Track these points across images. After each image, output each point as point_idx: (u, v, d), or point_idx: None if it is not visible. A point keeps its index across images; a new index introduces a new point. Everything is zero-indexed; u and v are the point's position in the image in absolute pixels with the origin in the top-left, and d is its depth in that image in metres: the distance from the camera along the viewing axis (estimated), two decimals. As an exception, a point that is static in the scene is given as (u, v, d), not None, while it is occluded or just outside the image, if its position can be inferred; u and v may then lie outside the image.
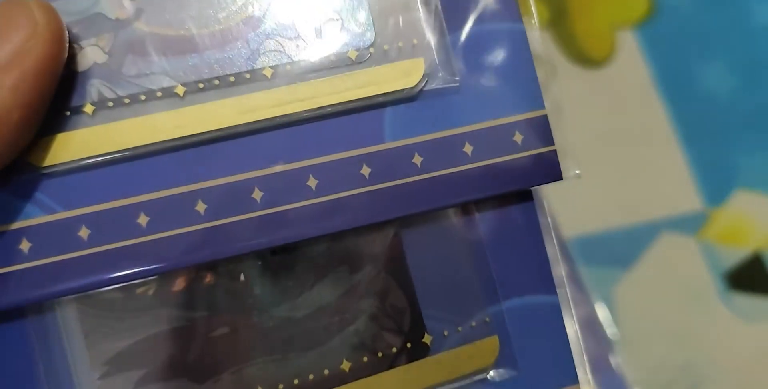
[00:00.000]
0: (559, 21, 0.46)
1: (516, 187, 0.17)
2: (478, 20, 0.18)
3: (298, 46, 0.18)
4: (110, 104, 0.17)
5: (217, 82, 0.17)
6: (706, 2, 0.45)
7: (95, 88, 0.17)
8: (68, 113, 0.17)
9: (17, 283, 0.16)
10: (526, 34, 0.19)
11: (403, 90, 0.17)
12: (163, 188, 0.16)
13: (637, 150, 0.45)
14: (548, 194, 0.41)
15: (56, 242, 0.16)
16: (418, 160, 0.17)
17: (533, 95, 0.18)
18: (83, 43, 0.17)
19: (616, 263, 0.42)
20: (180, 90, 0.17)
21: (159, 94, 0.17)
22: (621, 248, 0.43)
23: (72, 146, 0.16)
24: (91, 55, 0.17)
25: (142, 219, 0.16)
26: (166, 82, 0.17)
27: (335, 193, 0.17)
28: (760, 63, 0.44)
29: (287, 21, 0.18)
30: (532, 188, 0.18)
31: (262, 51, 0.17)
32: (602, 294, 0.42)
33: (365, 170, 0.17)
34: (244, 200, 0.16)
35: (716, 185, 0.43)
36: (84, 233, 0.16)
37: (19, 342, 0.16)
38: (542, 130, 0.18)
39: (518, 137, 0.18)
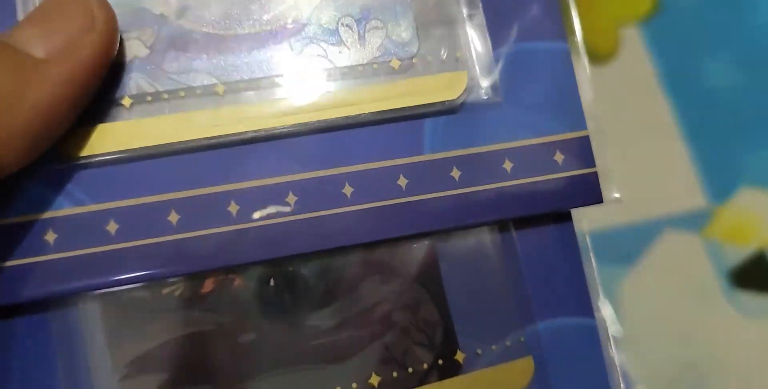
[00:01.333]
0: (563, 17, 0.49)
1: (555, 207, 0.17)
2: (523, 37, 0.18)
3: (340, 52, 0.17)
4: (149, 98, 0.16)
5: (257, 83, 0.17)
6: (711, -1, 0.45)
7: (134, 81, 0.17)
8: (105, 105, 0.16)
9: (40, 275, 0.15)
10: (571, 52, 0.18)
11: (444, 102, 0.17)
12: (196, 187, 0.16)
13: (642, 147, 0.45)
14: None
15: (83, 236, 0.15)
16: (456, 174, 0.17)
17: (575, 115, 0.18)
18: (126, 36, 0.17)
19: (620, 260, 0.42)
20: (220, 89, 0.17)
21: (198, 91, 0.17)
22: (625, 245, 0.43)
23: (107, 138, 0.16)
24: (133, 48, 0.17)
25: (173, 217, 0.16)
26: (206, 80, 0.17)
27: (371, 202, 0.16)
28: (764, 59, 0.44)
29: (331, 26, 0.17)
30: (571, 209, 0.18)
31: (305, 55, 0.17)
32: (606, 291, 0.43)
33: (402, 181, 0.17)
34: (278, 204, 0.16)
35: (721, 182, 0.43)
36: (112, 227, 0.16)
37: (40, 338, 0.15)
38: (584, 151, 0.17)
39: (559, 157, 0.17)
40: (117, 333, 0.16)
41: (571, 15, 0.20)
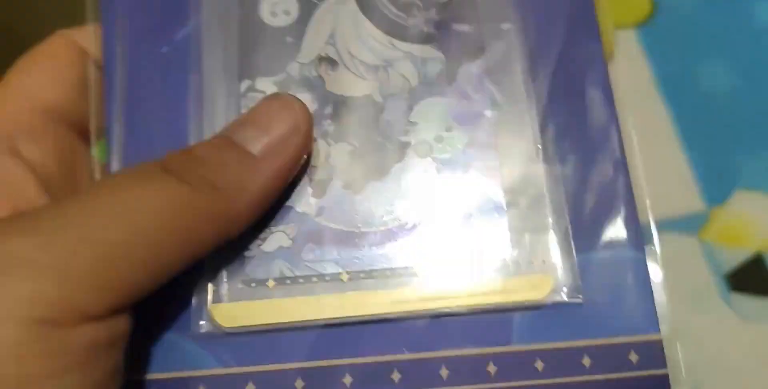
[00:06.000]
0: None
1: (627, 404, 0.19)
2: (605, 246, 0.21)
3: (445, 250, 0.21)
4: (288, 281, 0.20)
5: (375, 274, 0.21)
6: (708, 2, 0.44)
7: (278, 267, 0.21)
8: (253, 285, 0.20)
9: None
10: (647, 260, 0.21)
11: (531, 301, 0.20)
12: (319, 359, 0.19)
13: (637, 149, 0.45)
14: None
15: (224, 394, 0.19)
16: (540, 365, 0.19)
17: (650, 319, 0.20)
18: (274, 229, 0.21)
19: None
20: (344, 277, 0.21)
21: (327, 278, 0.21)
22: None
23: (253, 313, 0.20)
24: (278, 239, 0.21)
25: (299, 383, 0.19)
26: (334, 269, 0.21)
27: (463, 385, 0.19)
28: (762, 63, 0.43)
29: (439, 231, 0.21)
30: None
31: (416, 251, 0.21)
32: None
33: (491, 368, 0.19)
34: (385, 380, 0.19)
35: (717, 185, 0.42)
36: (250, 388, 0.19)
37: None
38: (656, 353, 0.19)
39: (633, 357, 0.20)
40: None
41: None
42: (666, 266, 0.34)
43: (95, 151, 0.22)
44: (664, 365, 0.19)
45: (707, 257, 0.39)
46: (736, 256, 0.40)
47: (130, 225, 0.16)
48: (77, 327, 0.16)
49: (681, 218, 0.40)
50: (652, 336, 0.20)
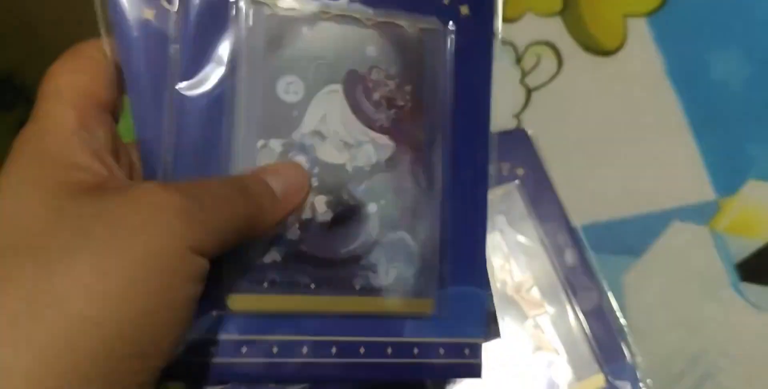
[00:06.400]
0: (570, 9, 0.46)
1: None
2: (457, 282, 0.35)
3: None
4: (276, 285, 0.32)
5: (331, 285, 0.32)
6: (719, -10, 0.44)
7: (271, 274, 0.32)
8: (254, 284, 0.31)
9: None
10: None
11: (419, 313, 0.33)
12: (289, 334, 0.31)
13: (649, 139, 0.44)
14: (561, 181, 0.43)
15: None
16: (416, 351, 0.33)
17: (479, 329, 0.34)
18: (270, 248, 0.32)
19: (627, 251, 0.42)
20: (312, 286, 0.32)
21: (302, 285, 0.32)
22: (632, 237, 0.43)
23: (252, 302, 0.31)
24: (272, 255, 0.32)
25: (275, 349, 0.31)
26: (306, 280, 0.32)
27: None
28: None
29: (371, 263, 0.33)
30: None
31: (354, 274, 0.33)
32: (613, 282, 0.42)
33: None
34: (327, 353, 0.31)
35: (728, 175, 0.42)
36: None
37: None
38: (477, 348, 0.34)
39: (467, 351, 0.34)
40: None
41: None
42: (677, 255, 0.39)
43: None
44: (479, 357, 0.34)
45: (718, 247, 0.40)
46: (747, 246, 0.40)
47: (232, 206, 0.27)
48: (202, 259, 0.25)
49: (692, 208, 0.41)
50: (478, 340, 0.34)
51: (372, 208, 0.33)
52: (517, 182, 0.42)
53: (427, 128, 0.34)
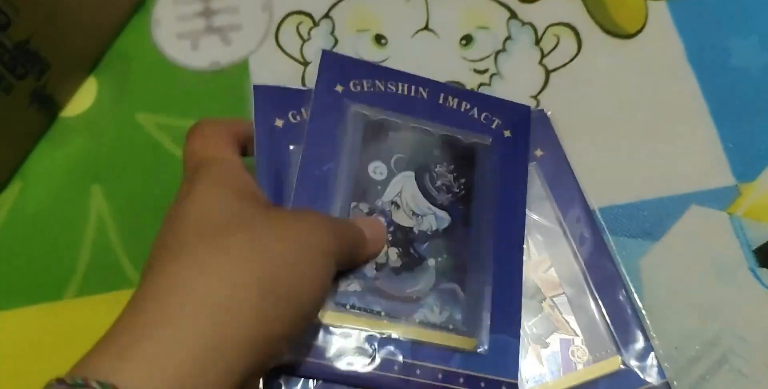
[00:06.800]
0: None
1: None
2: (500, 331, 0.43)
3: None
4: (356, 308, 0.40)
5: (397, 315, 0.41)
6: (740, -25, 0.43)
7: (352, 299, 0.40)
8: (340, 306, 0.40)
9: None
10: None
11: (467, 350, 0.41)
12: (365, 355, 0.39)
13: (668, 123, 0.42)
14: (579, 164, 0.43)
15: None
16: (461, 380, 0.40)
17: (513, 371, 0.41)
18: (352, 278, 0.41)
19: (644, 235, 0.41)
20: (382, 313, 0.40)
21: (374, 312, 0.40)
22: (650, 221, 0.42)
23: (339, 319, 0.39)
24: (354, 286, 0.41)
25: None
26: (378, 308, 0.40)
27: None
28: None
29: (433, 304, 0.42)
30: None
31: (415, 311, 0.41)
32: (630, 265, 0.41)
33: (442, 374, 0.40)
34: (391, 369, 0.39)
35: (748, 161, 0.41)
36: None
37: None
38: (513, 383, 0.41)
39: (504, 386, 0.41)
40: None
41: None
42: (695, 239, 0.38)
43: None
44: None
45: (737, 233, 0.38)
46: (765, 232, 0.39)
47: (350, 237, 0.38)
48: (334, 262, 0.34)
49: (711, 193, 0.40)
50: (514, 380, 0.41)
51: (431, 262, 0.43)
52: (534, 163, 0.43)
53: (476, 210, 0.45)
